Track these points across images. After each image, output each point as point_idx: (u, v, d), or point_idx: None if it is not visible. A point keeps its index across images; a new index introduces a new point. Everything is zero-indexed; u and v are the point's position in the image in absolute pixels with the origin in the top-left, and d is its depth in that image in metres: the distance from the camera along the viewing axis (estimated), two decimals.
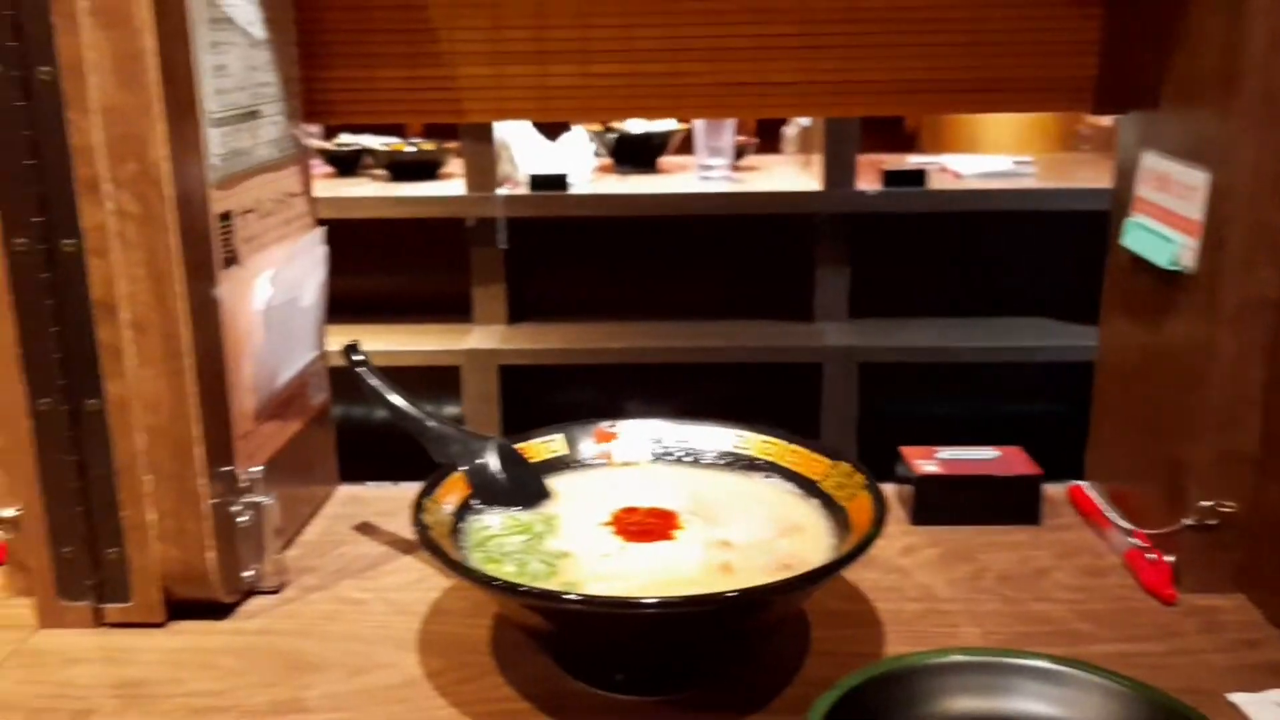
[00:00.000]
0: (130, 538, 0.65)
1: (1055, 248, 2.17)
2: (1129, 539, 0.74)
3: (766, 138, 2.64)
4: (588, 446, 0.75)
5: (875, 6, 0.79)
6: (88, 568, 0.66)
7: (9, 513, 0.67)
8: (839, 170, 2.03)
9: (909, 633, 0.66)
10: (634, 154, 2.40)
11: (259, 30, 0.71)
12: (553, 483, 0.72)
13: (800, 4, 0.79)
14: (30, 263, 0.61)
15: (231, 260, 0.68)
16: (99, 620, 0.67)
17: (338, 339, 0.78)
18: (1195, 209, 0.67)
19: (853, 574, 0.72)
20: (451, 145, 2.37)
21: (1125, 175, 0.78)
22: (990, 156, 2.30)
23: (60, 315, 0.62)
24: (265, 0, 0.72)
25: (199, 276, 0.64)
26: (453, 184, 2.21)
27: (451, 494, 0.67)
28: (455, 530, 0.65)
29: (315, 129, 2.53)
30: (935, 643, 0.65)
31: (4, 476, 0.67)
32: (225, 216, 0.67)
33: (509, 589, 0.55)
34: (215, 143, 0.66)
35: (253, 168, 0.71)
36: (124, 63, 0.59)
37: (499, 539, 0.65)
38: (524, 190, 2.15)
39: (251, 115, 0.71)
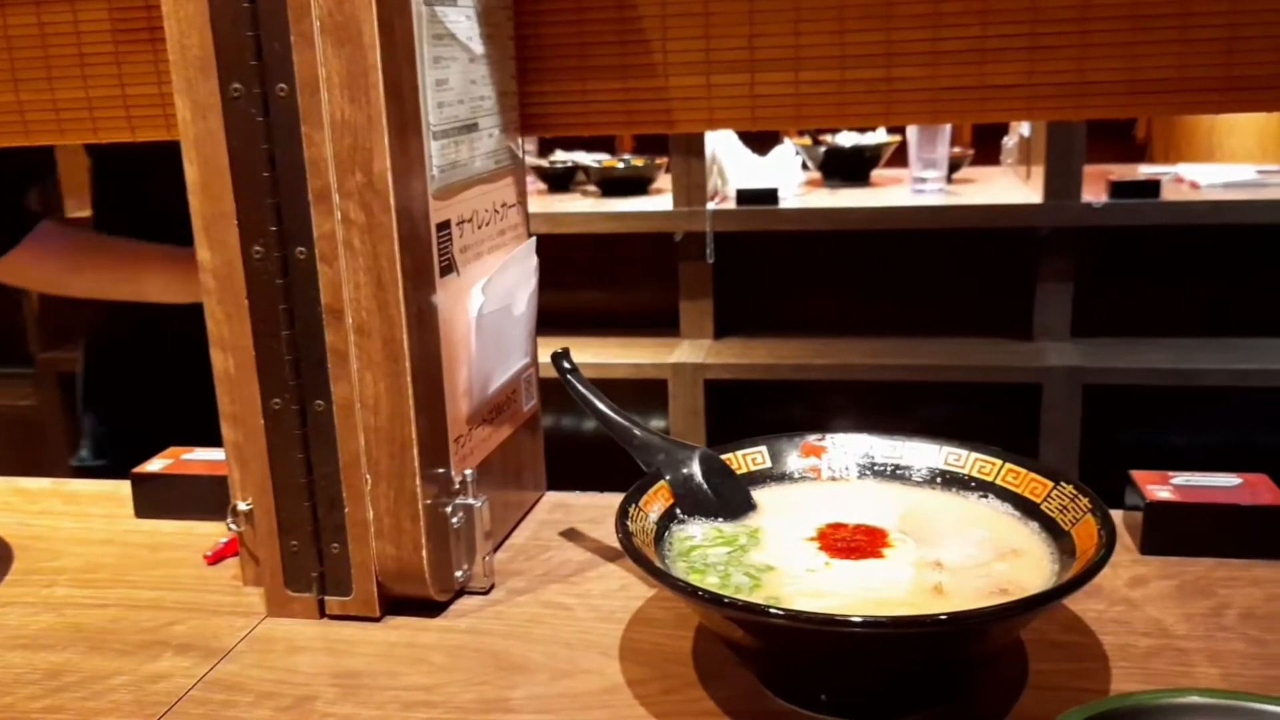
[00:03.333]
0: (351, 534, 0.68)
1: None
2: None
3: (983, 149, 2.55)
4: (794, 460, 0.73)
5: (1116, 2, 0.74)
6: (313, 561, 0.69)
7: (243, 506, 0.71)
8: (1062, 181, 1.94)
9: (1138, 670, 0.62)
10: (844, 167, 2.36)
11: (479, 45, 0.73)
12: (757, 495, 0.71)
13: (1030, 4, 0.75)
14: (266, 269, 0.65)
15: (449, 269, 0.70)
16: (321, 612, 0.70)
17: (548, 349, 0.80)
18: None
19: (1075, 604, 0.68)
20: (661, 161, 2.40)
21: None
22: (1231, 166, 2.15)
23: (292, 320, 0.66)
24: (485, 16, 0.74)
25: (419, 284, 0.66)
26: (662, 199, 2.24)
27: (655, 503, 0.67)
28: (659, 539, 0.65)
29: (530, 145, 2.62)
30: (1168, 682, 0.60)
31: (238, 471, 0.71)
32: (444, 226, 0.69)
33: (714, 600, 0.55)
34: (435, 155, 0.68)
35: (470, 179, 0.73)
36: (354, 79, 0.62)
37: (702, 550, 0.65)
38: (732, 205, 2.15)
39: (470, 128, 0.73)
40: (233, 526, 0.72)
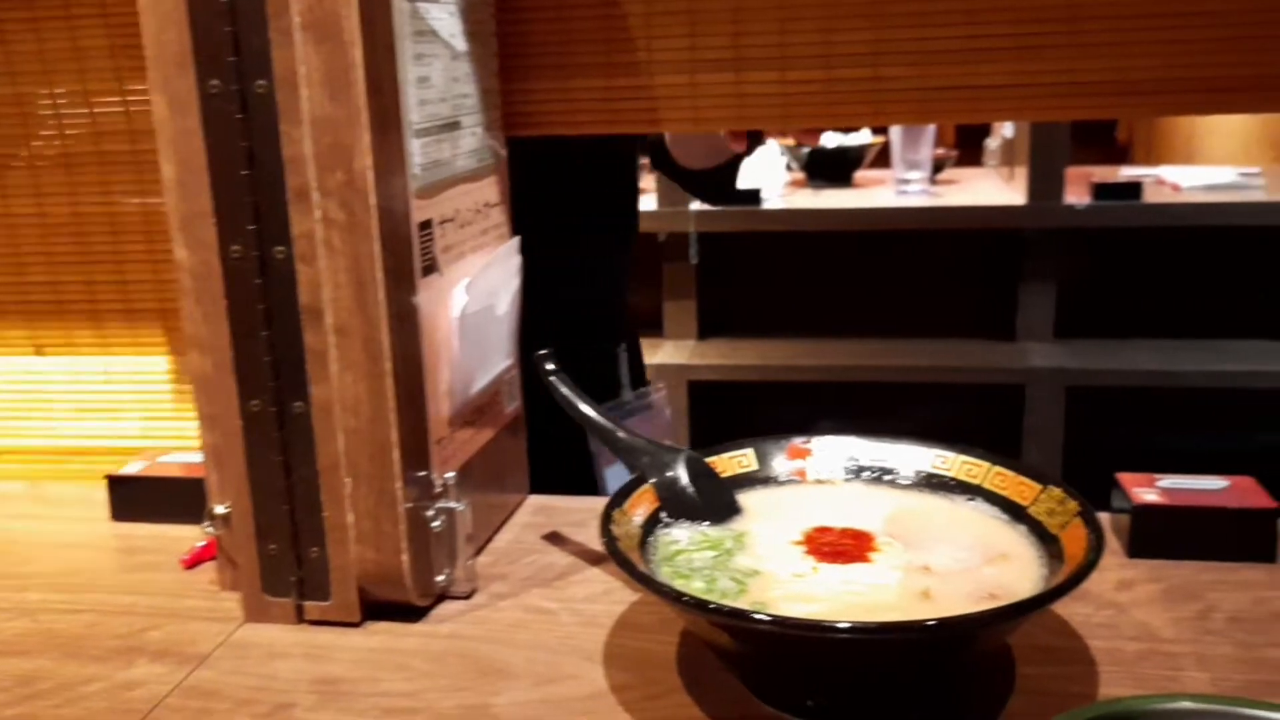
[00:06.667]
0: (331, 538, 0.67)
1: None
2: None
3: (967, 150, 2.55)
4: (780, 463, 0.73)
5: (1106, 2, 0.74)
6: (291, 565, 0.68)
7: (220, 509, 0.70)
8: (1046, 183, 1.94)
9: (1127, 674, 0.61)
10: (828, 168, 2.36)
11: (461, 42, 0.72)
12: (742, 499, 0.70)
13: (1018, 3, 0.75)
14: (244, 269, 0.64)
15: (430, 268, 0.69)
16: (300, 617, 0.69)
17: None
18: None
19: (1062, 608, 0.67)
20: (644, 161, 2.39)
21: None
22: (1213, 168, 2.15)
23: (270, 320, 0.65)
24: (468, 13, 0.73)
25: (399, 284, 0.65)
26: (646, 199, 2.23)
27: (640, 506, 0.66)
28: (644, 543, 0.64)
29: None
30: (1156, 686, 0.60)
31: (216, 474, 0.70)
32: (425, 225, 0.68)
33: (699, 606, 0.54)
34: (417, 153, 0.67)
35: (452, 178, 0.72)
36: (334, 76, 0.61)
37: (687, 554, 0.64)
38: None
39: (452, 126, 0.72)
40: (210, 530, 0.71)
